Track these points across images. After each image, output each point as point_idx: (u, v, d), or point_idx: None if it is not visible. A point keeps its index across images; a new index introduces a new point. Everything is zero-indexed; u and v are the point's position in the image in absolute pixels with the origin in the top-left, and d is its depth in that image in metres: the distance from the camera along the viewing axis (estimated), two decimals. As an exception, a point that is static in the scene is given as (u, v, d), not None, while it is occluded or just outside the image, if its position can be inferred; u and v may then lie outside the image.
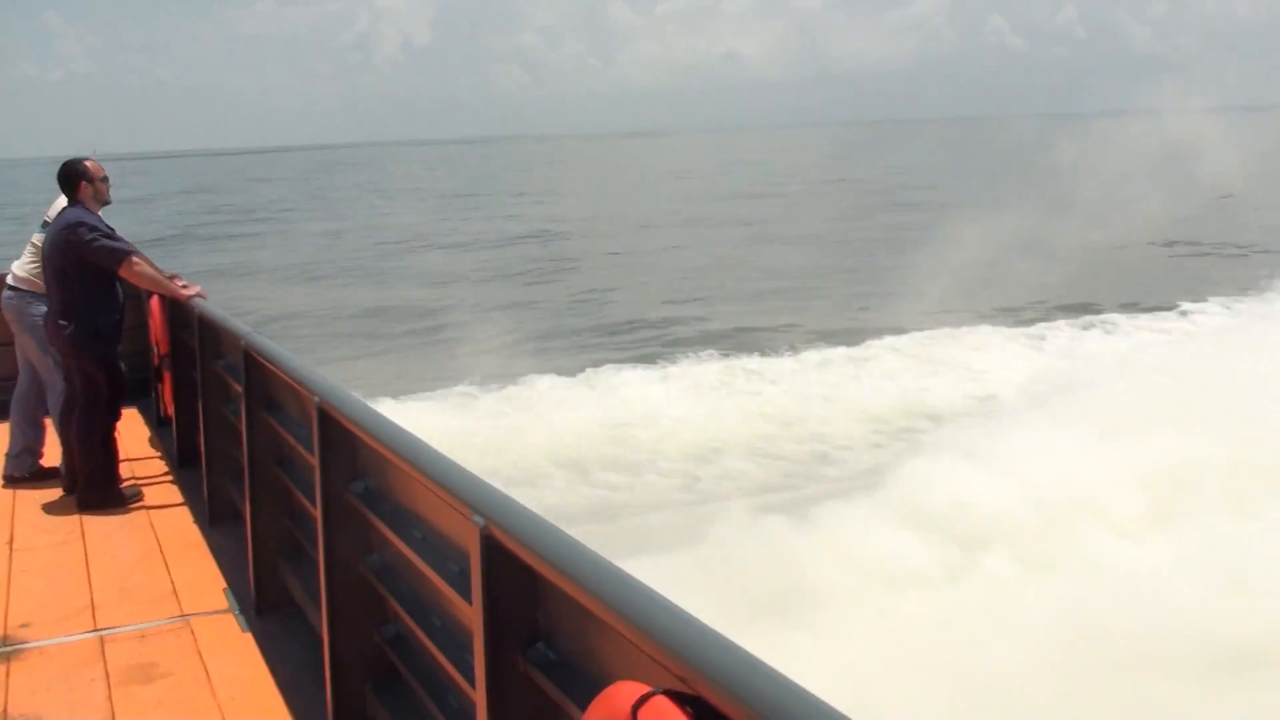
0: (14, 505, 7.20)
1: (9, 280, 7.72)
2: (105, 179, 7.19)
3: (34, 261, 7.52)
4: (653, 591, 1.93)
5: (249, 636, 5.03)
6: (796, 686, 1.55)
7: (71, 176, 7.09)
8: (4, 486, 7.65)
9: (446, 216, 58.93)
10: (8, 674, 4.70)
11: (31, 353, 7.75)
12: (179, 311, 7.78)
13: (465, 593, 2.65)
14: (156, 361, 8.51)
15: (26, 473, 7.73)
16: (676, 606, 1.86)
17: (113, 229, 7.11)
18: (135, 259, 7.02)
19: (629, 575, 2.00)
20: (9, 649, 4.96)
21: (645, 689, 1.73)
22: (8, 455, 7.80)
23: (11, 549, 6.37)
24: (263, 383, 5.33)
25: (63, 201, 7.21)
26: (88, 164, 7.15)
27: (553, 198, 71.15)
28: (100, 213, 7.16)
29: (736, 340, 23.31)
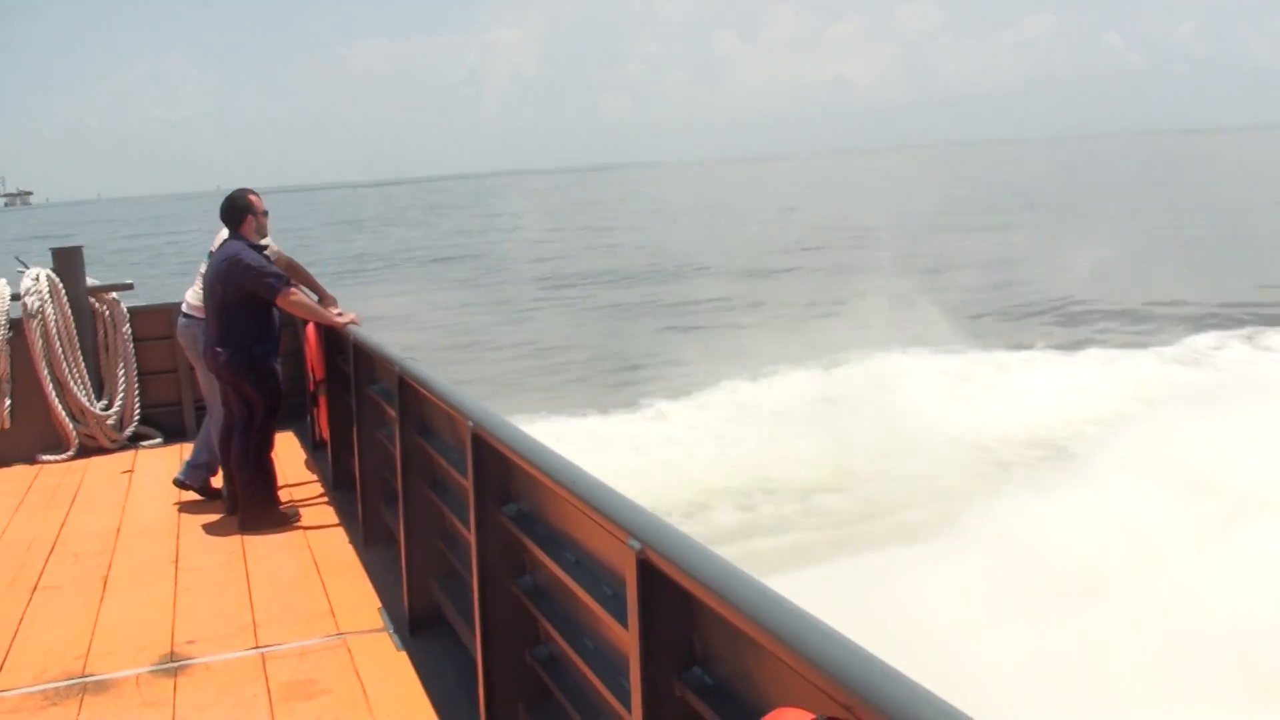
0: (179, 526, 7.50)
1: (183, 308, 8.08)
2: (266, 213, 7.48)
3: (202, 290, 7.84)
4: (811, 616, 1.91)
5: (404, 655, 5.14)
6: (960, 714, 1.53)
7: (236, 210, 7.39)
8: (174, 486, 8.16)
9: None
10: (175, 689, 4.89)
11: (201, 377, 8.10)
12: (334, 338, 8.01)
13: (621, 616, 2.67)
14: (312, 387, 8.77)
15: (196, 484, 8.08)
16: (836, 631, 1.84)
17: (268, 258, 7.38)
18: (292, 290, 7.27)
19: (787, 600, 1.99)
20: (176, 665, 5.16)
21: (808, 716, 1.72)
22: (188, 464, 8.19)
23: (177, 568, 6.64)
24: (417, 407, 5.46)
25: (224, 233, 7.51)
26: (252, 198, 7.44)
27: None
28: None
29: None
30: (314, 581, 6.26)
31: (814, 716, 1.70)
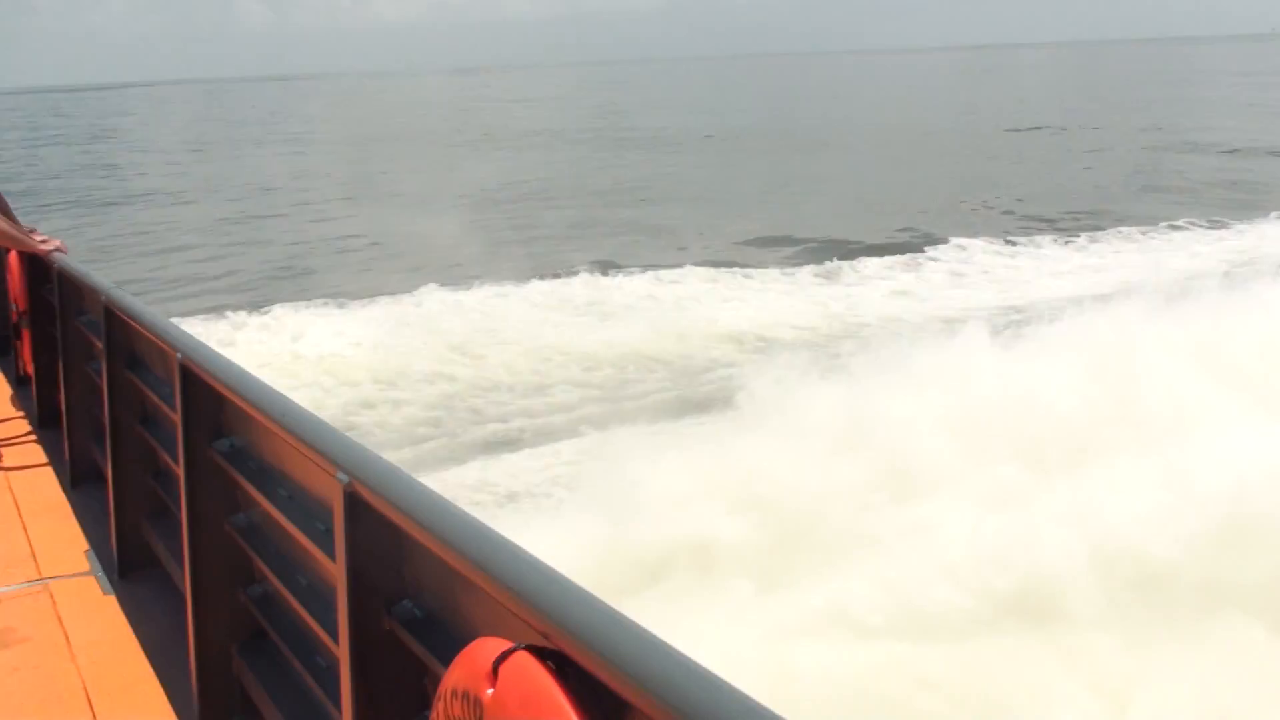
0: None
1: None
2: None
3: None
4: (517, 548, 1.92)
5: (111, 599, 4.90)
6: (657, 640, 1.56)
7: None
8: None
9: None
10: None
11: None
12: (37, 267, 7.51)
13: (329, 550, 2.62)
14: (15, 319, 8.20)
15: None
16: (541, 562, 1.86)
17: None
18: None
19: (494, 531, 2.00)
20: None
21: (507, 645, 1.73)
22: None
23: None
24: (124, 339, 5.18)
25: None
26: None
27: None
28: None
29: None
30: (14, 524, 5.88)
31: (511, 645, 1.71)
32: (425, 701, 2.31)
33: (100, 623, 4.65)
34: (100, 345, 5.42)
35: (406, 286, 22.45)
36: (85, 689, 4.16)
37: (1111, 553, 8.58)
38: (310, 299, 21.96)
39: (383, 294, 21.99)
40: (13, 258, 7.86)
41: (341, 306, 21.26)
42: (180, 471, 3.83)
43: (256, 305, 21.36)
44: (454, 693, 1.80)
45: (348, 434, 2.61)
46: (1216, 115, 61.83)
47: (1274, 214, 30.02)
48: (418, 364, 17.42)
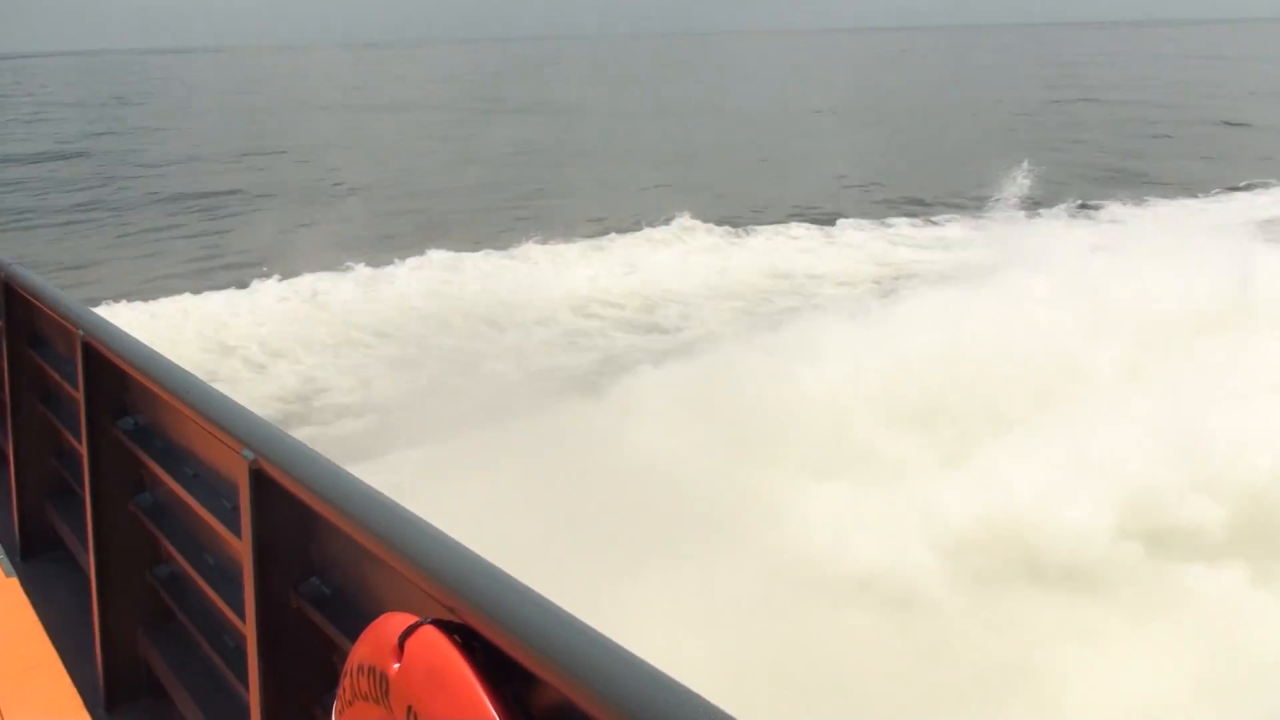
0: None
1: None
2: None
3: None
4: (425, 523, 1.92)
5: (14, 582, 4.79)
6: (562, 612, 1.57)
7: None
8: None
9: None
10: None
11: None
12: (-67, 241, 7.30)
13: (236, 529, 2.59)
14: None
15: None
16: (448, 537, 1.86)
17: None
18: None
19: (401, 507, 1.99)
20: None
21: (413, 619, 1.72)
22: None
23: None
24: (25, 316, 5.05)
25: None
26: None
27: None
28: None
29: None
30: None
31: (417, 619, 1.71)
32: (334, 678, 2.28)
33: (1, 606, 4.55)
34: (0, 322, 5.28)
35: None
36: None
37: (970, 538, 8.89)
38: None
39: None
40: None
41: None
42: (83, 451, 3.76)
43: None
44: (360, 668, 1.80)
45: (254, 411, 2.58)
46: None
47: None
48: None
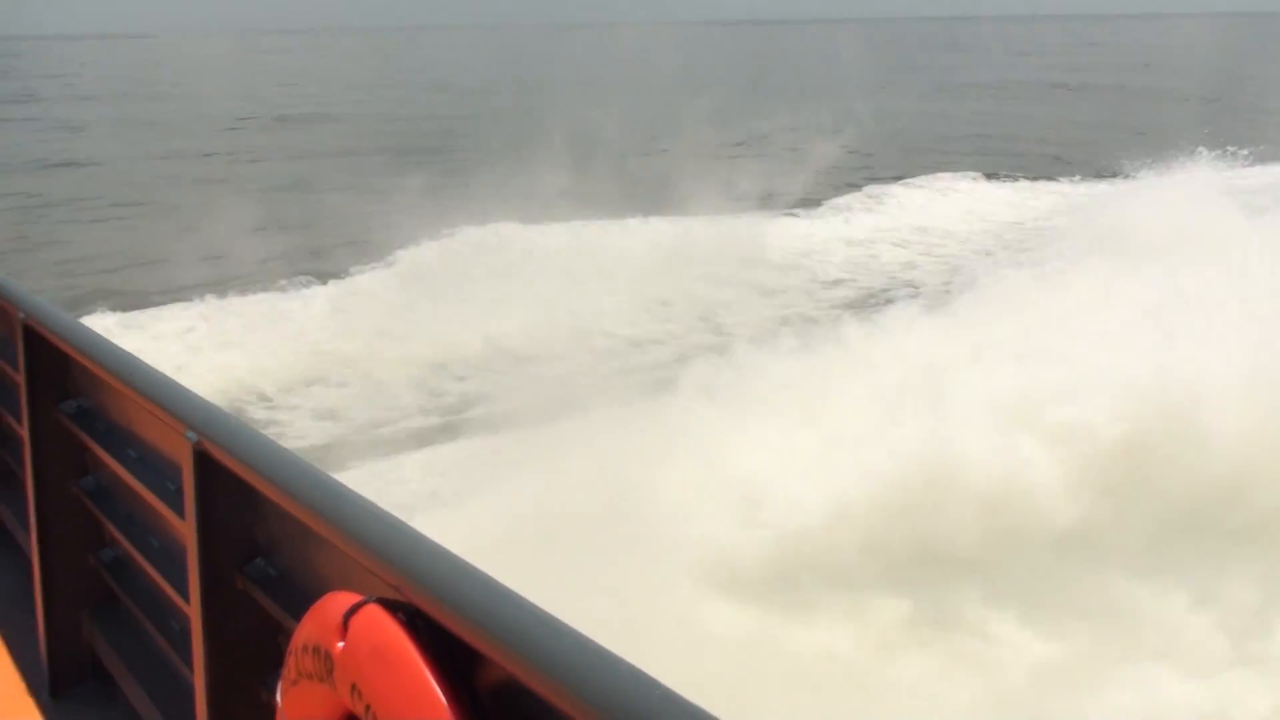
0: None
1: None
2: None
3: None
4: (368, 502, 1.92)
5: None
6: (507, 591, 1.59)
7: None
8: None
9: None
10: None
11: None
12: None
13: (180, 511, 2.58)
14: None
15: None
16: (392, 516, 1.86)
17: None
18: None
19: (345, 487, 1.99)
20: None
21: (358, 598, 1.73)
22: None
23: None
24: None
25: None
26: None
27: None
28: None
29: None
30: None
31: (361, 598, 1.71)
32: (279, 658, 2.29)
33: None
34: None
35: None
36: None
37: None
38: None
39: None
40: None
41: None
42: (25, 434, 3.72)
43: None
44: (304, 647, 1.80)
45: (196, 392, 2.56)
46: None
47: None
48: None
